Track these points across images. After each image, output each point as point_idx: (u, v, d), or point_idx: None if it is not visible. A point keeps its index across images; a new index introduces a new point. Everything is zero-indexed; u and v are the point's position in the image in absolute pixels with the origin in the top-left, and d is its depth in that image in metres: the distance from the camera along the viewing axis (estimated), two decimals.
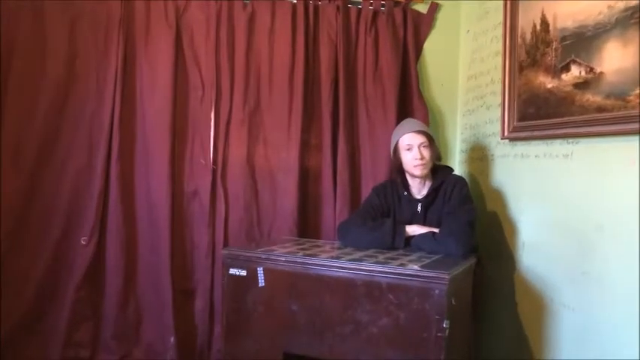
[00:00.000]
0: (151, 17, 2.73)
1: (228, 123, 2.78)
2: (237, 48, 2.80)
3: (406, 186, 2.37)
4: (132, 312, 2.72)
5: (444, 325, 1.70)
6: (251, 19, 2.80)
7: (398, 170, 2.39)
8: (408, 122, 2.45)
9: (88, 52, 2.68)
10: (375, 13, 2.87)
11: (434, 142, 2.36)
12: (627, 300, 1.64)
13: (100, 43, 2.69)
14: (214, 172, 2.77)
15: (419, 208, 2.32)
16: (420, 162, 2.27)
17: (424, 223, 2.27)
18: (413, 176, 2.35)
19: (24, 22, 2.58)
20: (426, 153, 2.29)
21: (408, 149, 2.30)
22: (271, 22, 2.82)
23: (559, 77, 1.97)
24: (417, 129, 2.33)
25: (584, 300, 1.86)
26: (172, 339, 2.67)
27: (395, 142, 2.37)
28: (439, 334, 1.71)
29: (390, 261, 1.89)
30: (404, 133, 2.34)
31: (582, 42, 1.84)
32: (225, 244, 2.72)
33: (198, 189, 2.78)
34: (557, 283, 2.03)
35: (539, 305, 2.11)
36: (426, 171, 2.31)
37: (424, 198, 2.33)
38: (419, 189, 2.37)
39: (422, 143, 2.29)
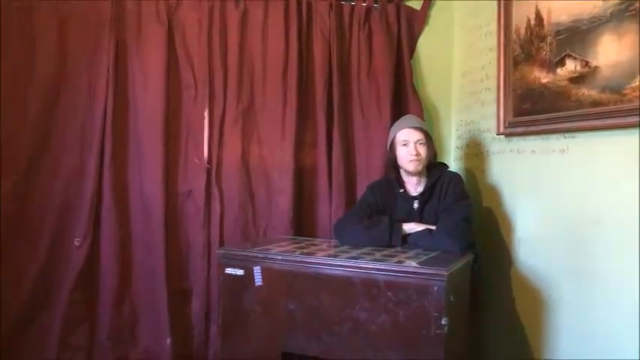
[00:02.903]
0: (142, 16, 2.71)
1: (221, 122, 2.77)
2: (230, 46, 2.78)
3: (401, 183, 2.36)
4: (127, 313, 2.70)
5: (443, 322, 1.69)
6: (243, 17, 2.79)
7: (393, 166, 2.38)
8: (407, 118, 2.44)
9: (79, 53, 2.66)
10: (369, 10, 2.86)
11: (431, 140, 2.35)
12: (626, 294, 1.63)
13: (91, 43, 2.67)
14: (209, 171, 2.75)
15: (415, 205, 2.31)
16: (414, 157, 2.26)
17: (421, 221, 2.25)
18: (407, 172, 2.34)
19: (12, 23, 2.55)
20: (422, 150, 2.28)
21: (404, 145, 2.29)
22: (264, 19, 2.80)
23: (554, 72, 1.97)
24: (415, 125, 2.32)
25: (582, 295, 1.85)
26: (168, 340, 2.65)
27: (392, 137, 2.37)
28: (438, 332, 1.70)
29: (387, 258, 1.88)
30: (401, 129, 2.33)
31: (577, 36, 1.83)
32: (221, 244, 2.70)
33: (193, 189, 2.76)
34: (555, 278, 2.02)
35: (537, 301, 2.11)
36: (420, 168, 2.29)
37: (420, 195, 2.31)
38: (414, 186, 2.36)
39: (418, 140, 2.28)
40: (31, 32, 2.59)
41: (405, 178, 2.37)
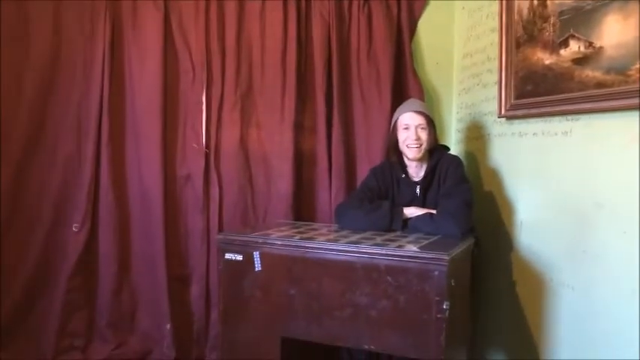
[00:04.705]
0: (137, 1, 2.67)
1: (220, 106, 2.74)
2: (228, 30, 2.74)
3: (404, 167, 2.34)
4: (126, 299, 2.70)
5: (444, 307, 1.68)
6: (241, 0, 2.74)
7: (394, 150, 2.35)
8: (411, 102, 2.42)
9: (74, 37, 2.64)
10: None
11: (433, 126, 2.32)
12: (628, 278, 1.62)
13: (86, 28, 2.64)
14: (207, 156, 2.73)
15: (417, 190, 2.29)
16: (414, 142, 2.24)
17: (423, 206, 2.23)
18: (407, 158, 2.32)
19: (6, 8, 2.51)
20: (423, 135, 2.25)
21: (406, 128, 2.27)
22: (262, 1, 2.75)
23: (557, 53, 1.93)
24: (418, 109, 2.30)
25: (584, 278, 1.84)
26: (168, 326, 2.65)
27: (394, 120, 2.35)
28: (439, 316, 1.69)
29: (388, 243, 1.86)
30: (404, 112, 2.31)
31: (581, 16, 1.79)
32: (220, 229, 2.69)
33: (191, 173, 2.74)
34: (557, 261, 2.01)
35: (538, 284, 2.10)
36: (419, 155, 2.27)
37: (422, 180, 2.29)
38: (416, 171, 2.33)
39: (420, 124, 2.25)
40: (25, 17, 2.55)
41: (407, 162, 2.34)
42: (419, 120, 2.26)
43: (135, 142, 2.69)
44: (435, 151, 2.34)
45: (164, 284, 2.65)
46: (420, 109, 2.31)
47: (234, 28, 2.73)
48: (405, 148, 2.28)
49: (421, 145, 2.26)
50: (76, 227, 2.59)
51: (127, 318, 2.70)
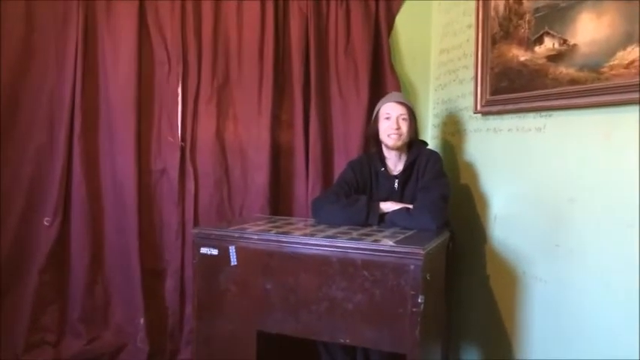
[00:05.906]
0: None
1: (196, 99, 2.71)
2: (205, 21, 2.71)
3: (382, 159, 2.35)
4: (99, 294, 2.66)
5: (419, 301, 1.69)
6: None
7: (375, 141, 2.37)
8: (394, 94, 2.46)
9: (46, 25, 2.57)
10: None
11: (414, 118, 2.35)
12: (599, 272, 1.65)
13: (59, 17, 2.59)
14: (183, 149, 2.70)
15: (396, 184, 2.30)
16: (395, 131, 2.26)
17: (401, 200, 2.25)
18: (387, 147, 2.33)
19: None
20: (404, 125, 2.27)
21: (387, 118, 2.29)
22: None
23: (532, 50, 1.95)
24: (400, 100, 2.33)
25: (556, 272, 1.87)
26: (142, 320, 2.63)
27: (377, 111, 2.37)
28: (414, 310, 1.70)
29: (364, 237, 1.87)
30: (386, 102, 2.34)
31: (556, 13, 1.82)
32: (196, 223, 2.67)
33: (167, 166, 2.71)
34: (530, 255, 2.04)
35: (511, 278, 2.12)
36: (399, 143, 2.28)
37: (401, 174, 2.30)
38: (395, 163, 2.35)
39: (401, 115, 2.28)
40: None
41: (386, 153, 2.36)
42: (401, 110, 2.28)
43: (108, 134, 2.65)
44: (414, 146, 2.36)
45: (138, 278, 2.62)
46: (403, 101, 2.34)
47: (210, 19, 2.71)
48: (386, 137, 2.29)
49: (401, 135, 2.27)
50: (47, 221, 2.54)
51: (100, 312, 2.66)
